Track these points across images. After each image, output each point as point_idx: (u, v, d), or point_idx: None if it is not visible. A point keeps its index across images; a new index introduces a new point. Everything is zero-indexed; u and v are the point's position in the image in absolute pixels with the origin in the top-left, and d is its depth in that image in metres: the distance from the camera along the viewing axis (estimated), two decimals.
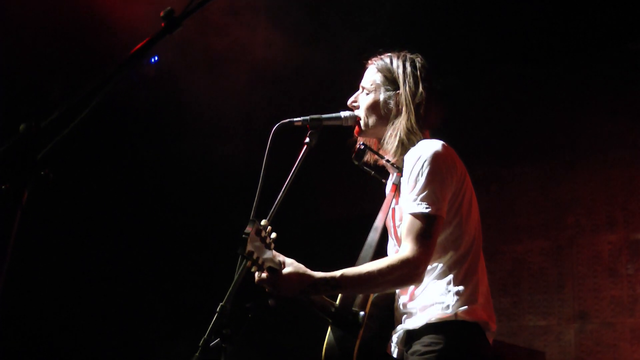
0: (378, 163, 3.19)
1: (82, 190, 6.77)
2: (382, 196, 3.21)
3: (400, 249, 2.80)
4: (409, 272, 2.74)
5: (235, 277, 2.64)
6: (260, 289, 2.81)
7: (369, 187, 3.64)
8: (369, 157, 3.18)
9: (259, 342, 6.00)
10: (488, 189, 6.68)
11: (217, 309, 2.57)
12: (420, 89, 3.01)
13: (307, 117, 2.96)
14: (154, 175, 7.14)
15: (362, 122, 3.08)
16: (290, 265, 2.75)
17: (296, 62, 6.05)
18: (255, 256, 2.61)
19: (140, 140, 7.02)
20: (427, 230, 2.74)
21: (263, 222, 2.66)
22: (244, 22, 6.12)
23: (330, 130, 3.07)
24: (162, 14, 1.64)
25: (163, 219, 7.35)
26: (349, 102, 3.15)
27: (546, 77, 6.87)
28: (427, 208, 2.76)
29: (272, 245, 2.71)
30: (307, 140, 2.93)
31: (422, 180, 2.79)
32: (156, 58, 7.39)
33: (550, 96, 6.89)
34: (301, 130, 2.98)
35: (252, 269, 2.67)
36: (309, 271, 2.76)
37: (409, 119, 2.96)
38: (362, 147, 3.09)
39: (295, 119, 2.95)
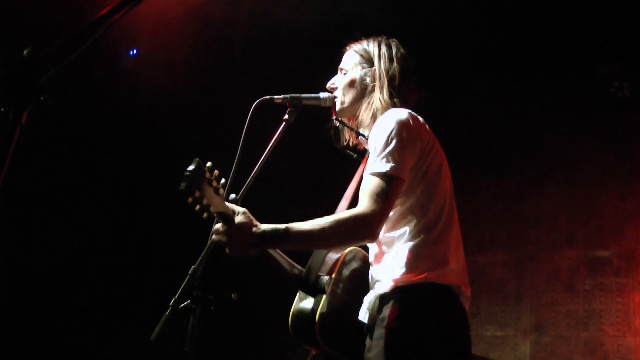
0: (359, 147, 3.28)
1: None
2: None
3: (357, 206, 2.78)
4: (360, 228, 2.70)
5: (209, 242, 2.65)
6: (222, 282, 2.76)
7: (339, 187, 3.68)
8: (348, 138, 3.27)
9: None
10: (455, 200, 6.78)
11: (189, 272, 2.57)
12: (395, 64, 3.11)
13: (287, 95, 3.03)
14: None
15: (338, 101, 3.16)
16: (242, 215, 2.65)
17: None
18: (197, 194, 2.48)
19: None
20: (383, 189, 2.73)
21: (209, 164, 2.54)
22: None
23: (301, 129, 3.11)
24: None
25: (136, 196, 7.32)
26: (327, 85, 3.23)
27: (516, 95, 7.05)
28: (385, 168, 2.76)
29: (221, 191, 2.59)
30: (286, 117, 3.00)
31: (383, 143, 2.81)
32: (134, 51, 7.37)
33: (519, 114, 7.07)
34: (280, 108, 3.07)
35: (196, 208, 2.55)
36: (255, 221, 2.67)
37: (382, 91, 3.04)
38: (337, 122, 3.18)
39: (275, 96, 3.02)
